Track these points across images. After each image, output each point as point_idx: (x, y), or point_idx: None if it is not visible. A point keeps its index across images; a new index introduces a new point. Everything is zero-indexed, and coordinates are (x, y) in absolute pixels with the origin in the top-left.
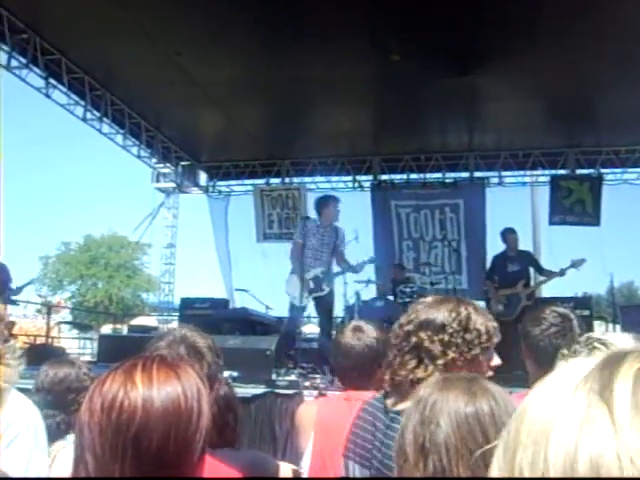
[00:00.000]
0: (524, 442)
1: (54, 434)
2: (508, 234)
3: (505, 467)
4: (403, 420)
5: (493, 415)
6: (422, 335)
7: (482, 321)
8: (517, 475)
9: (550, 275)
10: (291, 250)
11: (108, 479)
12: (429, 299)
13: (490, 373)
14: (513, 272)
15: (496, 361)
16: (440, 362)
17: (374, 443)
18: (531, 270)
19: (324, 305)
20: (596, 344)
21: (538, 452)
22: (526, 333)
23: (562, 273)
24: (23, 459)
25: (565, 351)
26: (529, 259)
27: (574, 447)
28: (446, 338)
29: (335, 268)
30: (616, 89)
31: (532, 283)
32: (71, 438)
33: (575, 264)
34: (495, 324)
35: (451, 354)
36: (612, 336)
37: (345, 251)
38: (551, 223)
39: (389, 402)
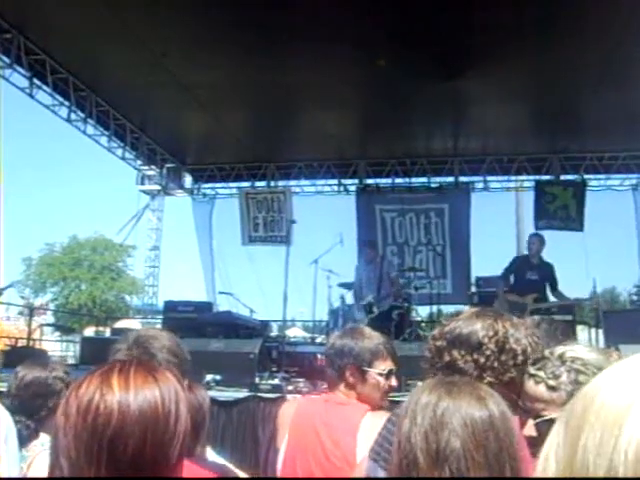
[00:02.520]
0: (591, 423)
1: (22, 439)
2: (536, 241)
3: (565, 444)
4: (404, 423)
5: (503, 418)
6: (455, 354)
7: (518, 338)
8: (580, 455)
9: (560, 299)
10: None
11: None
12: (466, 313)
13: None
14: (530, 281)
15: (529, 385)
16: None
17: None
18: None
19: None
20: (579, 367)
21: (608, 438)
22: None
23: (579, 303)
24: None
25: (532, 370)
26: (549, 273)
27: None
28: (482, 360)
29: None
30: (600, 95)
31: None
32: (33, 445)
33: (593, 298)
34: (535, 339)
35: (488, 378)
36: (580, 350)
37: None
38: (537, 228)
39: None
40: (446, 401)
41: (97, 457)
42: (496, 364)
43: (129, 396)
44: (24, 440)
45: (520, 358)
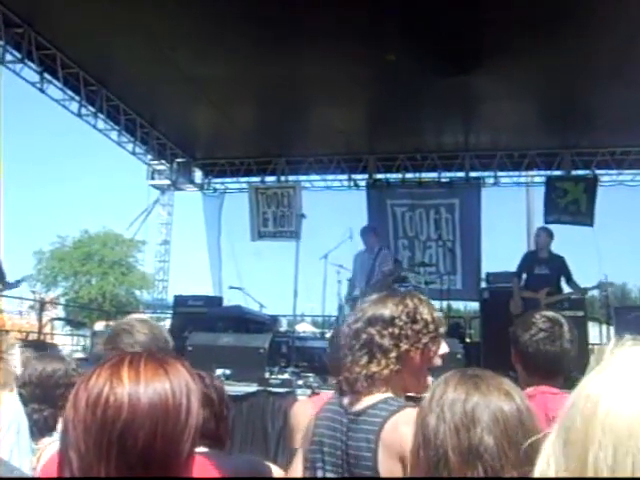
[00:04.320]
0: (599, 437)
1: (41, 429)
2: (537, 230)
3: (569, 459)
4: (430, 419)
5: (529, 413)
6: (371, 330)
7: (428, 311)
8: (592, 473)
9: (575, 289)
10: None
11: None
12: (374, 297)
13: (439, 362)
14: (540, 275)
15: (444, 349)
16: (393, 355)
17: (340, 447)
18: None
19: None
20: None
21: (623, 455)
22: (515, 338)
23: (585, 292)
24: (4, 457)
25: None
26: (561, 265)
27: None
28: (396, 331)
29: None
30: (612, 90)
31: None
32: (57, 434)
33: (601, 286)
34: (440, 314)
35: (404, 346)
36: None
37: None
38: (546, 222)
39: (346, 402)
40: (475, 397)
41: (107, 451)
42: (410, 332)
43: (139, 388)
44: (44, 429)
45: (432, 326)
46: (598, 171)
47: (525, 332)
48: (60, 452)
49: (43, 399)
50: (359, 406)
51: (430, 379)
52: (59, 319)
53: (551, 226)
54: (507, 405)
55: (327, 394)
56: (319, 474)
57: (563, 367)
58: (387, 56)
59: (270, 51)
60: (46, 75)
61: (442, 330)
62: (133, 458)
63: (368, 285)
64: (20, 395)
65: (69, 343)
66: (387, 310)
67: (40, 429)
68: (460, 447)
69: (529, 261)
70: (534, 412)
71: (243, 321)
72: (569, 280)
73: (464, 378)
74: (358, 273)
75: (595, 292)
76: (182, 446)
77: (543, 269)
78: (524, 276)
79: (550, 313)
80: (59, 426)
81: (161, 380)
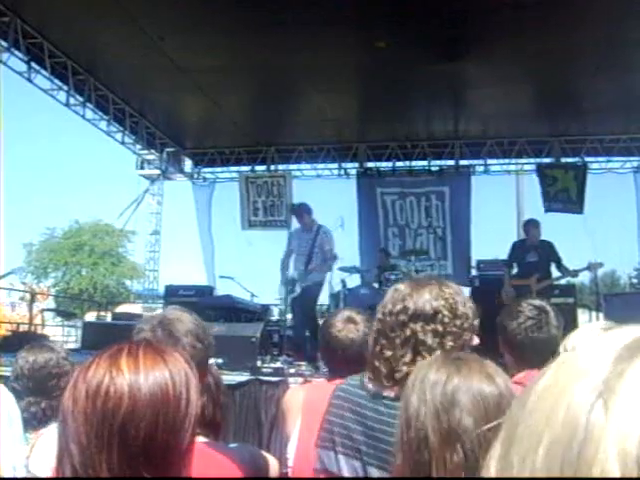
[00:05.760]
0: (520, 433)
1: (39, 421)
2: (531, 227)
3: (500, 460)
4: (412, 401)
5: (511, 395)
6: (415, 327)
7: (464, 302)
8: (508, 474)
9: (565, 273)
10: None
11: None
12: (408, 285)
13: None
14: (530, 263)
15: (475, 341)
16: (438, 353)
17: (362, 432)
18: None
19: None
20: None
21: (533, 450)
22: (503, 327)
23: (575, 274)
24: None
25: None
26: (550, 250)
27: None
28: (440, 328)
29: None
30: (600, 79)
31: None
32: (53, 426)
33: (591, 267)
34: (472, 304)
35: (448, 343)
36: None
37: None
38: (546, 211)
39: (375, 389)
40: (456, 379)
41: (108, 442)
42: (454, 329)
43: (139, 378)
44: (41, 421)
45: (471, 320)
46: (587, 158)
47: (513, 320)
48: (59, 445)
49: (37, 391)
50: (391, 392)
51: None
52: (49, 310)
53: (536, 213)
54: (488, 388)
55: (319, 381)
56: (341, 460)
57: (551, 353)
58: (377, 44)
59: (260, 39)
60: (33, 64)
61: (477, 322)
62: (135, 449)
63: (308, 266)
64: (13, 389)
65: (60, 334)
66: (427, 304)
67: (39, 421)
68: (440, 428)
69: (518, 250)
70: (514, 394)
71: (234, 310)
72: (559, 264)
73: (447, 361)
74: (298, 254)
75: (586, 275)
76: (183, 435)
77: (533, 256)
78: (515, 265)
79: (536, 301)
80: (56, 416)
81: (160, 369)
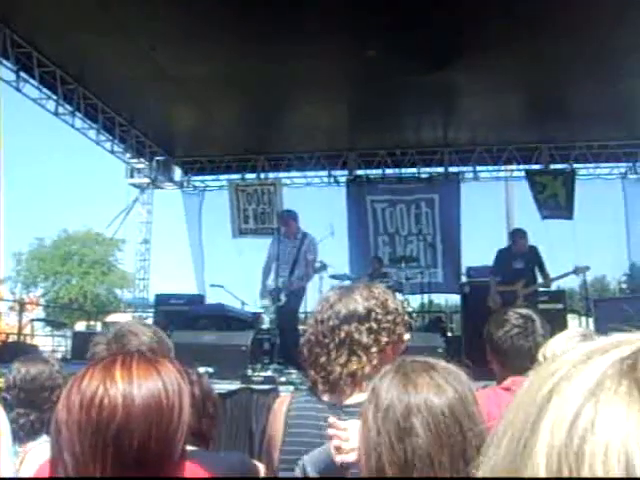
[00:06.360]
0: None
1: (28, 433)
2: (518, 238)
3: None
4: (369, 436)
5: (463, 403)
6: (349, 328)
7: (393, 299)
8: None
9: (544, 279)
10: None
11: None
12: (336, 292)
13: (403, 346)
14: (516, 270)
15: (407, 336)
16: (374, 350)
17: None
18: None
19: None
20: None
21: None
22: (489, 336)
23: (549, 284)
24: None
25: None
26: (535, 256)
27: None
28: (374, 325)
29: None
30: (588, 85)
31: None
32: (42, 438)
33: (577, 271)
34: (400, 300)
35: (383, 339)
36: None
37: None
38: (543, 218)
39: (327, 398)
40: (405, 400)
41: (102, 452)
42: (387, 324)
43: (133, 389)
44: (30, 434)
45: (402, 315)
46: (576, 165)
47: (499, 329)
48: (52, 455)
49: (28, 403)
50: (350, 401)
51: None
52: (39, 320)
53: (525, 219)
54: (438, 401)
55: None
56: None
57: (537, 360)
58: (367, 52)
59: (250, 49)
60: (22, 74)
61: (407, 317)
62: (129, 459)
63: (292, 275)
64: (4, 399)
65: (50, 344)
66: (359, 305)
67: (27, 433)
68: (397, 461)
69: (504, 258)
70: (470, 400)
71: (225, 319)
72: (542, 269)
73: (396, 377)
74: (281, 262)
75: (576, 281)
76: (175, 445)
77: (519, 263)
78: (502, 272)
79: (523, 310)
80: (45, 429)
81: (154, 380)
